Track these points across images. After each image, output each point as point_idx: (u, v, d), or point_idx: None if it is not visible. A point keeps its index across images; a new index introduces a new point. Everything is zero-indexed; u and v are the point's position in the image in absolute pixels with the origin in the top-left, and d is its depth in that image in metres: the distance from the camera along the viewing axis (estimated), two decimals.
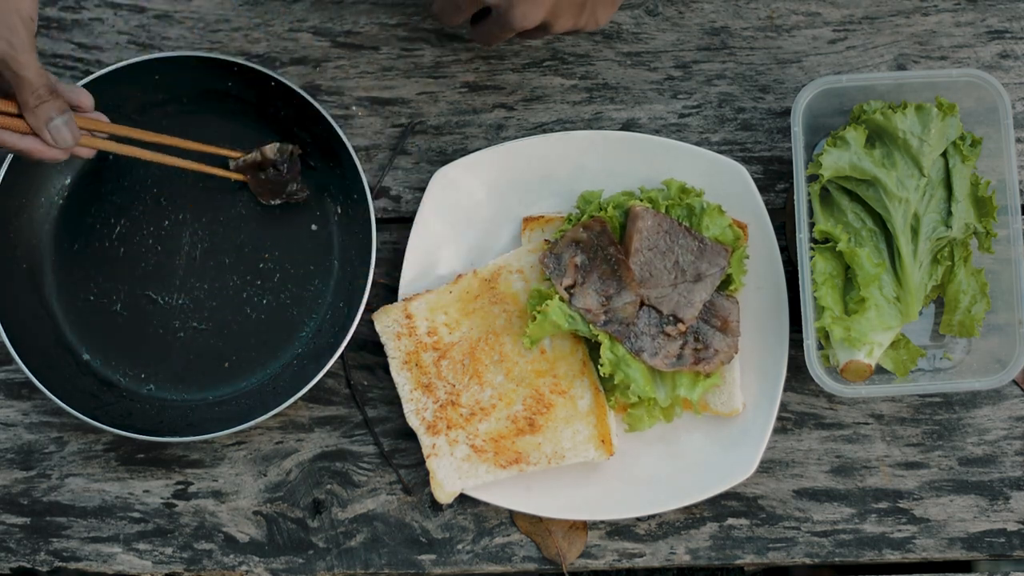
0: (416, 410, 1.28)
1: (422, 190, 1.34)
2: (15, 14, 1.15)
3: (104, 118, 1.25)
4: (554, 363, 1.29)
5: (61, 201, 1.35)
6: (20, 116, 1.18)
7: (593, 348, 1.30)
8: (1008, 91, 1.30)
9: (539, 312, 1.27)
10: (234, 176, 1.33)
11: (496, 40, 1.25)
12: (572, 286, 1.29)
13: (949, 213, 1.29)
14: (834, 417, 1.35)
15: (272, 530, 1.33)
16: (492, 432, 1.27)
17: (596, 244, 1.28)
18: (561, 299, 1.28)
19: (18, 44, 1.15)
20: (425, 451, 1.27)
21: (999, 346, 1.30)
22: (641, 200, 1.31)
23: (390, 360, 1.28)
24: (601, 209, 1.31)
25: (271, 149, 1.31)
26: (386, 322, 1.29)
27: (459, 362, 1.28)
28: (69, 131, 1.20)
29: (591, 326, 1.28)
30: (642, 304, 1.28)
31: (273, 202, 1.34)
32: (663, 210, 1.30)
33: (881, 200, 1.28)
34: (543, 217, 1.33)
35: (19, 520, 1.34)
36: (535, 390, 1.27)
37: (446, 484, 1.26)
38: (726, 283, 1.31)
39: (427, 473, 1.33)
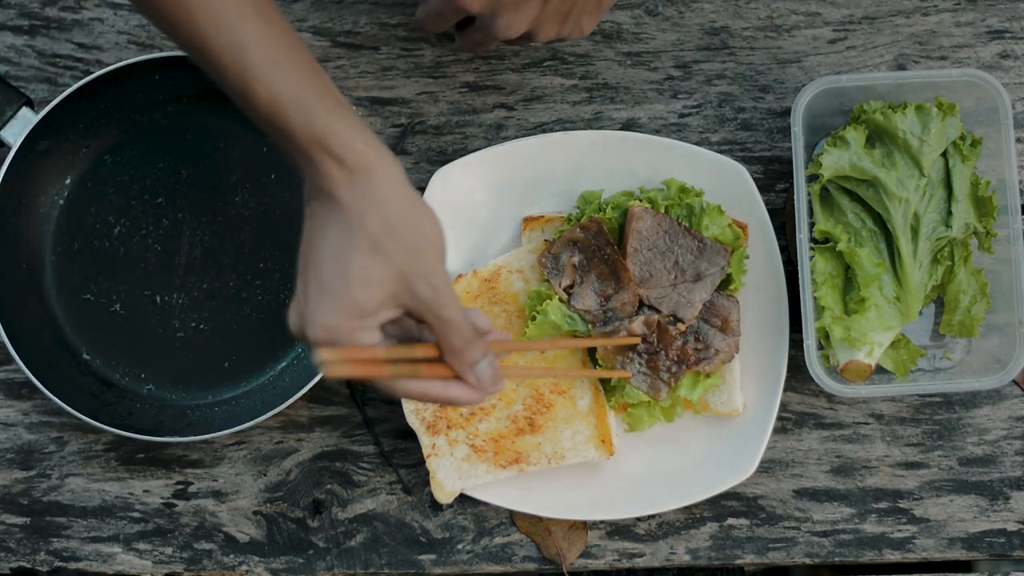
0: (416, 409, 1.28)
1: (422, 190, 1.34)
2: (431, 250, 1.05)
3: (506, 336, 1.15)
4: (554, 363, 1.29)
5: (61, 201, 1.35)
6: (436, 360, 1.07)
7: (592, 349, 1.29)
8: (1008, 91, 1.30)
9: (538, 312, 1.27)
10: (620, 374, 1.27)
11: (480, 48, 1.26)
12: (571, 286, 1.29)
13: (949, 213, 1.29)
14: (834, 417, 1.35)
15: (272, 530, 1.33)
16: (492, 432, 1.26)
17: (593, 244, 1.28)
18: (560, 300, 1.28)
19: (439, 284, 1.04)
20: (425, 451, 1.27)
21: (999, 346, 1.30)
22: (641, 200, 1.31)
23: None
24: (600, 210, 1.31)
25: (638, 324, 1.25)
26: None
27: None
28: (492, 372, 1.08)
29: (590, 327, 1.28)
30: (641, 304, 1.28)
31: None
32: (663, 210, 1.30)
33: (881, 200, 1.28)
34: (543, 217, 1.33)
35: (19, 520, 1.34)
36: (535, 390, 1.27)
37: (446, 484, 1.26)
38: (726, 283, 1.31)
39: (427, 473, 1.33)
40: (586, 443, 1.26)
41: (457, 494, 1.27)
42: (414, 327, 1.08)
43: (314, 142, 1.03)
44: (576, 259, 1.29)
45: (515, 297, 1.30)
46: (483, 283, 1.31)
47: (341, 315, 1.02)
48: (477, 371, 1.07)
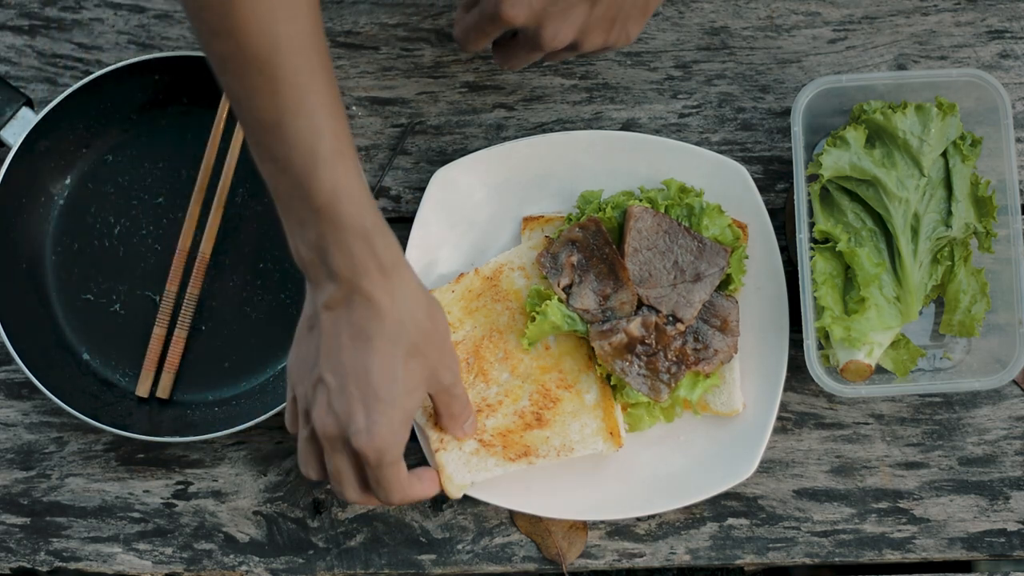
0: (423, 407, 1.26)
1: (422, 190, 1.34)
2: (448, 339, 1.14)
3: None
4: (559, 358, 1.29)
5: (61, 201, 1.36)
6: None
7: (590, 347, 1.29)
8: (1008, 91, 1.30)
9: (538, 313, 1.27)
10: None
11: (523, 63, 1.23)
12: (569, 286, 1.29)
13: (949, 213, 1.29)
14: (834, 417, 1.35)
15: (272, 530, 1.33)
16: (499, 427, 1.25)
17: (592, 244, 1.28)
18: (559, 300, 1.28)
19: (456, 368, 1.16)
20: (433, 445, 1.25)
21: (999, 346, 1.30)
22: (640, 200, 1.31)
23: None
24: (600, 209, 1.31)
25: (635, 325, 1.26)
26: None
27: (463, 360, 1.27)
28: (474, 423, 1.23)
29: (589, 326, 1.28)
30: (641, 304, 1.28)
31: None
32: (662, 210, 1.30)
33: (881, 200, 1.28)
34: (543, 217, 1.33)
35: (19, 520, 1.34)
36: (541, 385, 1.27)
37: (456, 477, 1.24)
38: (726, 283, 1.31)
39: None
40: (594, 435, 1.26)
41: (467, 487, 1.25)
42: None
43: (362, 235, 1.05)
44: (575, 258, 1.29)
45: (518, 294, 1.30)
46: (485, 281, 1.31)
47: (394, 424, 1.09)
48: (466, 427, 1.22)
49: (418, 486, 1.15)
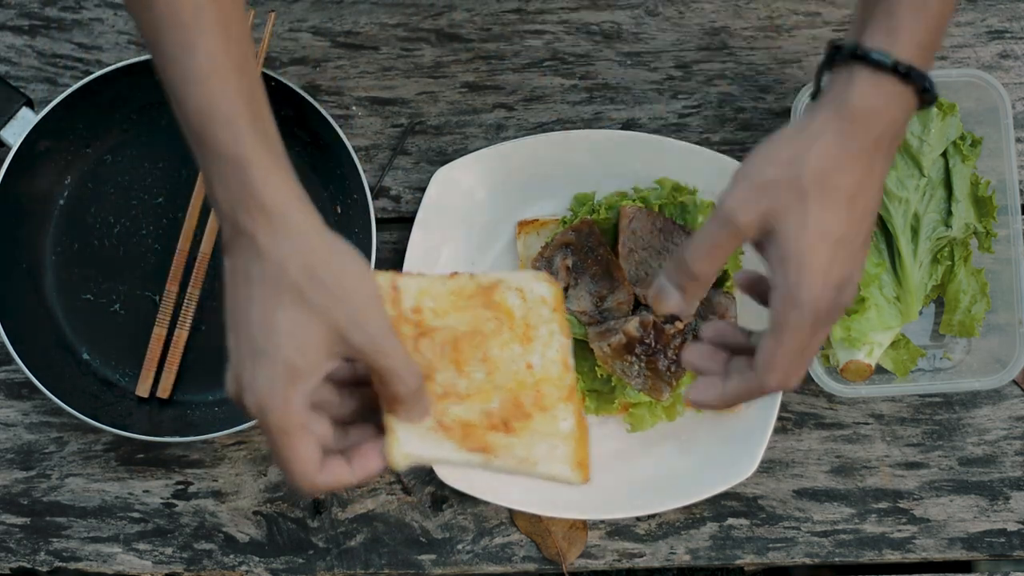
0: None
1: (422, 190, 1.34)
2: (362, 295, 0.97)
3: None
4: (539, 382, 1.23)
5: (61, 201, 1.36)
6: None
7: (590, 351, 1.29)
8: (1008, 91, 1.30)
9: None
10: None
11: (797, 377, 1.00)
12: (566, 289, 1.29)
13: (949, 213, 1.29)
14: (834, 417, 1.35)
15: (272, 530, 1.33)
16: (462, 418, 1.14)
17: (586, 246, 1.28)
18: None
19: (374, 331, 0.96)
20: (386, 408, 1.11)
21: (999, 346, 1.30)
22: (634, 200, 1.31)
23: None
24: (594, 211, 1.31)
25: (633, 325, 1.21)
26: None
27: (440, 346, 1.16)
28: (422, 413, 1.03)
29: (588, 328, 1.28)
30: (638, 304, 1.28)
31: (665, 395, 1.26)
32: (656, 209, 1.30)
33: (881, 200, 1.28)
34: (537, 220, 1.33)
35: (19, 520, 1.34)
36: (515, 398, 1.17)
37: (404, 445, 1.09)
38: (723, 280, 1.30)
39: (427, 472, 1.33)
40: (562, 460, 1.15)
41: (413, 461, 1.10)
42: (361, 366, 1.00)
43: (236, 166, 0.95)
44: (569, 261, 1.29)
45: (510, 312, 1.24)
46: (480, 288, 1.26)
47: (278, 381, 0.95)
48: (411, 414, 1.02)
49: (336, 469, 0.98)
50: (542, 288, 1.15)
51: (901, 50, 0.96)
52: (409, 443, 1.08)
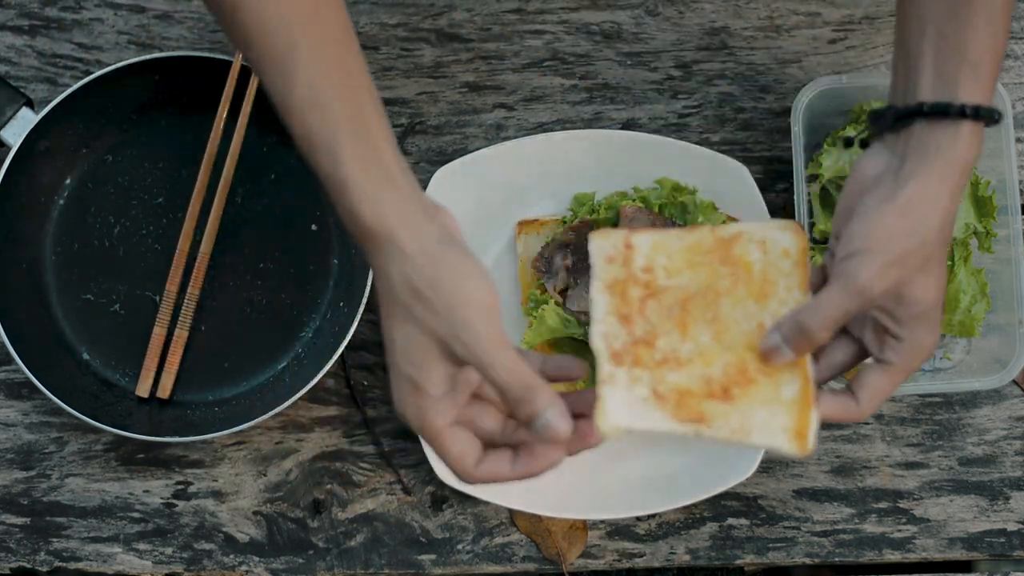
0: (604, 334, 1.10)
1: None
2: (468, 307, 0.98)
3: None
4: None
5: (61, 201, 1.36)
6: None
7: (590, 351, 1.28)
8: (1008, 91, 1.30)
9: (535, 317, 1.27)
10: None
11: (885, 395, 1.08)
12: (565, 289, 1.29)
13: None
14: None
15: (272, 530, 1.33)
16: (680, 385, 1.09)
17: (585, 245, 1.28)
18: (556, 303, 1.28)
19: (475, 344, 0.97)
20: (601, 376, 1.09)
21: (999, 346, 1.29)
22: (634, 200, 1.31)
23: (593, 280, 1.11)
24: (593, 211, 1.31)
25: None
26: (602, 243, 1.13)
27: (667, 307, 1.11)
28: (560, 426, 1.00)
29: (587, 328, 1.27)
30: None
31: None
32: (656, 209, 1.30)
33: None
34: (537, 220, 1.33)
35: (19, 520, 1.34)
36: (741, 361, 1.10)
37: (613, 415, 1.06)
38: None
39: (427, 472, 1.33)
40: (780, 431, 1.08)
41: (622, 431, 1.07)
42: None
43: (342, 191, 1.00)
44: (569, 261, 1.29)
45: (749, 266, 1.14)
46: (719, 241, 1.11)
47: (405, 395, 1.00)
48: (537, 426, 0.99)
49: (495, 465, 1.02)
50: (786, 239, 1.10)
51: (988, 95, 1.03)
52: (618, 414, 1.05)
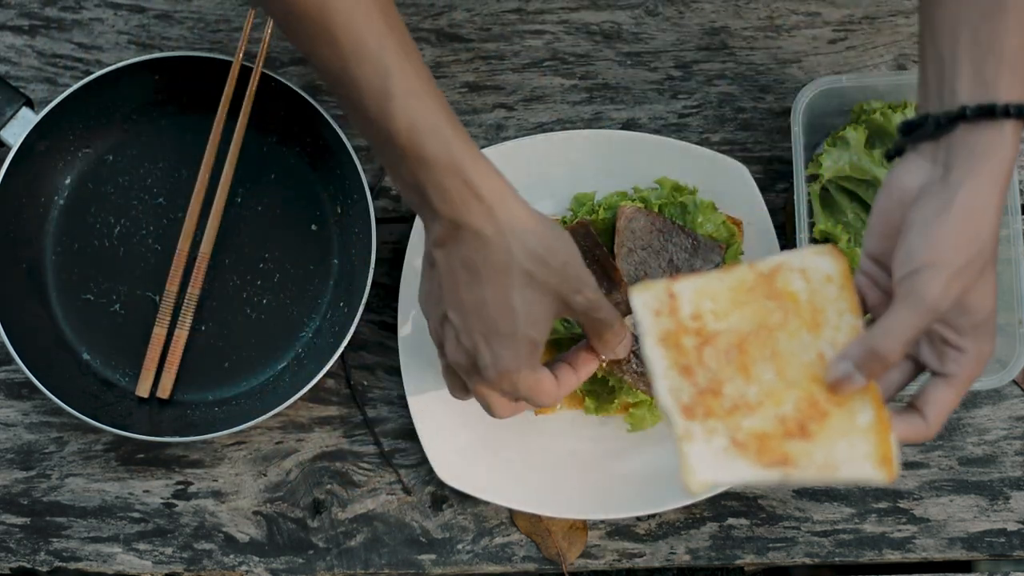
0: (670, 389, 1.09)
1: None
2: (574, 263, 1.11)
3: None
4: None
5: (61, 201, 1.36)
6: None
7: None
8: None
9: None
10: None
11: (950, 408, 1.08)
12: None
13: None
14: None
15: (272, 530, 1.33)
16: (756, 429, 1.08)
17: (583, 246, 1.28)
18: None
19: (590, 292, 1.12)
20: (677, 432, 1.09)
21: (999, 346, 1.29)
22: (634, 200, 1.31)
23: (643, 335, 1.10)
24: (593, 211, 1.31)
25: (628, 323, 1.22)
26: (645, 297, 1.11)
27: (724, 352, 1.11)
28: (627, 345, 1.19)
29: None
30: None
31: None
32: (656, 209, 1.30)
33: None
34: None
35: (19, 520, 1.34)
36: (809, 395, 1.09)
37: (699, 472, 1.07)
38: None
39: (427, 472, 1.33)
40: (864, 459, 1.08)
41: (711, 486, 1.07)
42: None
43: (451, 170, 1.05)
44: None
45: (794, 297, 1.06)
46: (760, 277, 1.10)
47: (519, 356, 1.09)
48: (619, 350, 1.17)
49: (567, 379, 1.16)
50: (826, 264, 1.09)
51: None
52: (703, 470, 1.06)
